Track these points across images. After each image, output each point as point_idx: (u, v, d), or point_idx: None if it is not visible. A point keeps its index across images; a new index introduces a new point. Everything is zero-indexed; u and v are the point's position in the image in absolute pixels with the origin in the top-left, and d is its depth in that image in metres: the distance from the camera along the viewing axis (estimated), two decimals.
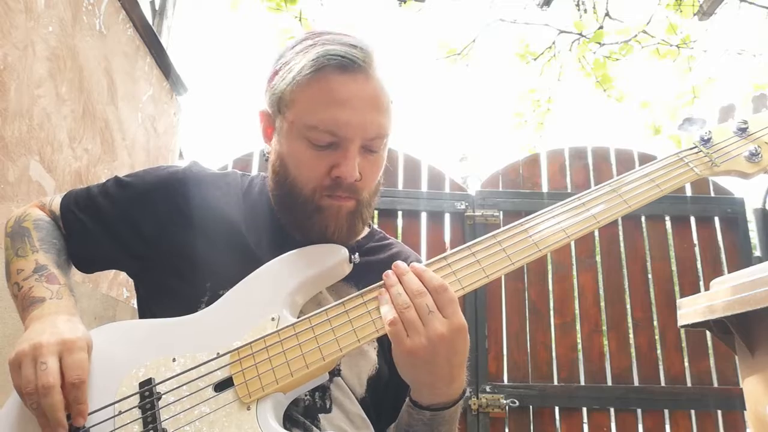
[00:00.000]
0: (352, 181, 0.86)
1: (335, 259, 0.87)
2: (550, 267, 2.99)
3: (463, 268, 0.82)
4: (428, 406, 0.80)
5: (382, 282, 0.80)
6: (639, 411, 2.80)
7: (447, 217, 3.04)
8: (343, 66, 0.84)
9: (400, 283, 0.77)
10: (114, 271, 1.05)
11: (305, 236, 0.91)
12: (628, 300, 2.96)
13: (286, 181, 0.90)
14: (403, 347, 0.74)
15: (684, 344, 2.91)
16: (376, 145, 0.88)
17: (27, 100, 1.74)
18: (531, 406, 2.78)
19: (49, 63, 1.87)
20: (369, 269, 0.92)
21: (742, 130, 0.93)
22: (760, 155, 0.91)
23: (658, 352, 2.89)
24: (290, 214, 0.92)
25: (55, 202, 1.02)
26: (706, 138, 0.93)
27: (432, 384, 0.78)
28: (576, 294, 2.97)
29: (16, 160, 1.70)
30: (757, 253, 2.88)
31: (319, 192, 0.88)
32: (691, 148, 0.93)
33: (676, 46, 4.21)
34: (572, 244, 3.03)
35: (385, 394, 0.93)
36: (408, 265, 0.80)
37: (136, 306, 1.05)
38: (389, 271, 0.79)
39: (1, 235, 1.30)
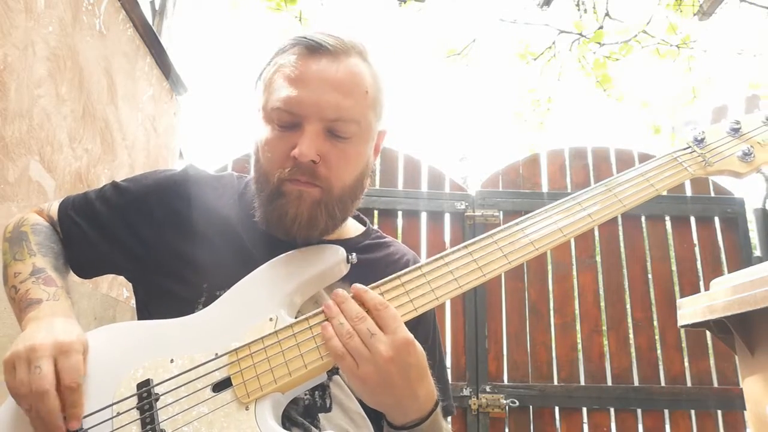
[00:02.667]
0: (307, 160, 0.84)
1: (333, 259, 0.87)
2: (550, 267, 2.99)
3: (460, 267, 0.82)
4: (403, 425, 0.79)
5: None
6: (639, 411, 2.80)
7: (447, 217, 3.04)
8: (310, 48, 0.86)
9: (341, 312, 0.76)
10: (112, 274, 1.06)
11: (267, 223, 0.90)
12: (628, 300, 2.96)
13: (257, 167, 0.91)
14: (356, 377, 0.73)
15: (684, 344, 2.90)
16: (343, 129, 0.86)
17: (27, 100, 1.74)
18: (531, 406, 2.78)
19: (49, 63, 1.87)
20: (366, 268, 0.92)
21: (735, 131, 0.94)
22: (752, 155, 0.92)
23: (658, 352, 2.89)
24: (258, 202, 0.92)
25: (53, 208, 1.03)
26: (699, 138, 0.94)
27: (397, 404, 0.77)
28: (576, 294, 2.97)
29: (16, 160, 1.70)
30: (757, 253, 2.88)
31: (281, 175, 0.86)
32: (684, 148, 0.94)
33: (676, 46, 4.21)
34: (572, 244, 3.03)
35: None
36: (352, 286, 0.79)
37: (135, 307, 1.05)
38: (329, 302, 0.78)
39: None
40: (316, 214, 0.87)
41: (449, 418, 1.01)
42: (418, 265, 0.84)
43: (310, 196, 0.86)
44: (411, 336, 0.75)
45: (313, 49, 0.86)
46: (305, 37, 0.87)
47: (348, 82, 0.86)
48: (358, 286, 0.78)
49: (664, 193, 3.04)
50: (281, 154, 0.86)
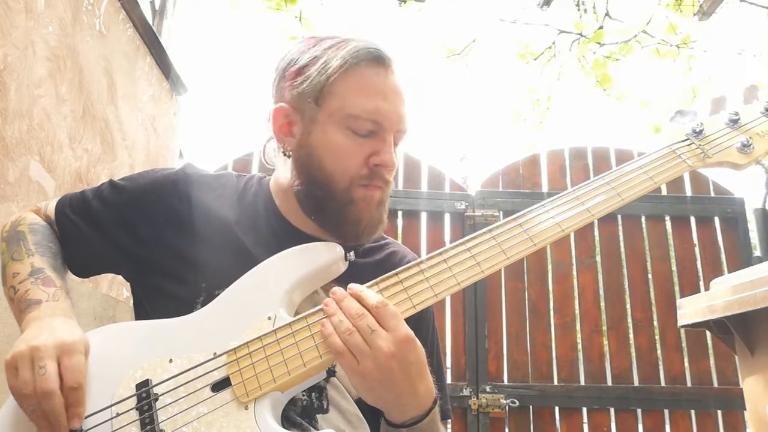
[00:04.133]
0: (392, 167, 0.90)
1: (331, 256, 0.87)
2: (550, 267, 2.99)
3: (458, 263, 0.82)
4: (402, 423, 0.79)
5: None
6: (639, 411, 2.80)
7: (447, 217, 3.04)
8: (379, 58, 0.90)
9: (340, 309, 0.76)
10: (110, 273, 1.06)
11: (337, 231, 0.92)
12: (628, 300, 2.96)
13: (320, 174, 0.90)
14: (356, 373, 0.73)
15: (684, 344, 2.90)
16: (401, 139, 0.94)
17: (27, 100, 1.74)
18: (531, 406, 2.78)
19: (49, 63, 1.87)
20: (367, 269, 0.92)
21: (734, 122, 0.93)
22: (751, 146, 0.90)
23: (658, 352, 2.89)
24: (321, 210, 0.92)
25: (51, 207, 1.02)
26: (698, 130, 0.93)
27: (397, 401, 0.77)
28: (576, 294, 2.97)
29: (16, 160, 1.70)
30: (757, 253, 2.88)
31: (356, 182, 0.89)
32: (683, 140, 0.93)
33: (676, 46, 4.21)
34: (572, 244, 3.03)
35: None
36: (348, 286, 0.79)
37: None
38: (328, 300, 0.78)
39: None
40: (382, 213, 0.93)
41: (449, 422, 1.00)
42: (416, 261, 0.83)
43: (375, 198, 0.91)
44: (411, 333, 0.75)
45: (380, 60, 0.90)
46: (372, 48, 0.90)
47: (405, 95, 0.93)
48: (354, 286, 0.79)
49: (664, 192, 3.06)
50: (358, 162, 0.89)
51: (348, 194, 0.89)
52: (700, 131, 0.93)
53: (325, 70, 0.89)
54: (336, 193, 0.89)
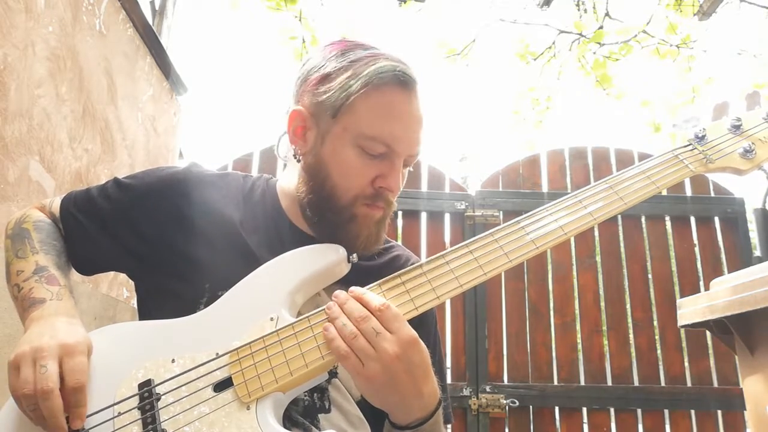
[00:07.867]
0: (397, 192, 0.91)
1: (334, 258, 0.87)
2: (550, 267, 2.99)
3: (461, 266, 0.82)
4: (407, 425, 0.79)
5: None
6: (639, 411, 2.80)
7: (447, 217, 3.04)
8: (403, 83, 0.88)
9: (343, 312, 0.76)
10: (114, 271, 1.06)
11: (333, 242, 0.92)
12: (628, 300, 2.96)
13: (325, 185, 0.91)
14: (361, 376, 0.74)
15: (684, 344, 2.90)
16: (411, 162, 0.94)
17: (27, 100, 1.74)
18: (531, 406, 2.78)
19: (49, 63, 1.87)
20: (369, 272, 0.92)
21: (736, 128, 0.94)
22: (753, 152, 0.92)
23: (658, 352, 2.89)
24: (323, 220, 0.93)
25: (55, 204, 1.02)
26: (700, 135, 0.94)
27: (402, 403, 0.77)
28: (576, 294, 2.97)
29: (16, 160, 1.70)
30: (757, 253, 2.88)
31: (360, 200, 0.90)
32: (685, 146, 0.94)
33: (676, 46, 4.21)
34: (572, 244, 3.03)
35: None
36: (349, 290, 0.80)
37: (136, 306, 1.05)
38: (331, 303, 0.78)
39: (1, 237, 1.30)
40: (380, 231, 0.94)
41: (449, 427, 1.01)
42: (418, 263, 0.84)
43: (376, 217, 0.92)
44: (415, 334, 0.75)
45: (405, 84, 0.88)
46: (399, 71, 0.88)
47: (423, 120, 0.92)
48: (356, 289, 0.79)
49: (664, 192, 3.06)
50: (364, 182, 0.90)
51: (350, 210, 0.90)
52: (703, 137, 0.94)
53: (348, 86, 0.87)
54: (338, 208, 0.90)
